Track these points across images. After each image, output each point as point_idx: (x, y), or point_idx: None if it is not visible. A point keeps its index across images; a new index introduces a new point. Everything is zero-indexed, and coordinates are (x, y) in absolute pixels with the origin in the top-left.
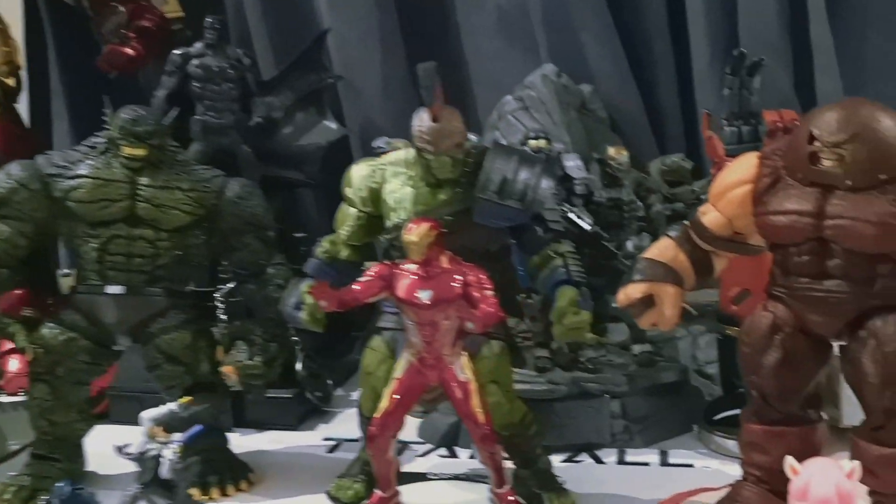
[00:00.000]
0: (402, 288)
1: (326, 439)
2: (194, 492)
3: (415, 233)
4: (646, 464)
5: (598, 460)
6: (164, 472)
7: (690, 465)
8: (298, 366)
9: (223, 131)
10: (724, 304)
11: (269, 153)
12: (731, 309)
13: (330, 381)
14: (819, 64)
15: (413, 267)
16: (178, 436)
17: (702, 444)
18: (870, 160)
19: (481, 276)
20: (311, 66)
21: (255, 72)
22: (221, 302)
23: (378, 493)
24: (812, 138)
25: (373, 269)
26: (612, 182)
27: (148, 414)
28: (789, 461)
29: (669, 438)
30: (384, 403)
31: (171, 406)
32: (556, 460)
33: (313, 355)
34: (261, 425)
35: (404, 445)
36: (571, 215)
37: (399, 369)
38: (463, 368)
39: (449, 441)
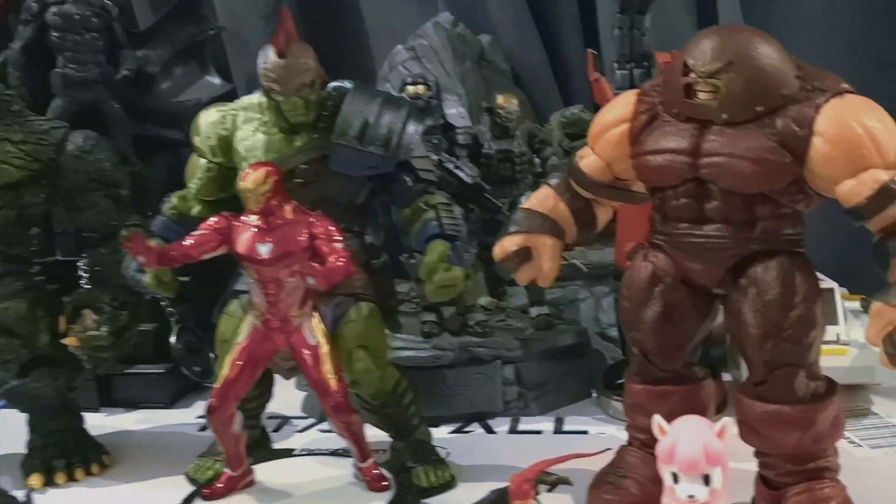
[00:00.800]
0: (241, 242)
1: (200, 417)
2: (35, 478)
3: (250, 180)
4: (539, 432)
5: (490, 430)
6: None
7: (585, 432)
8: (172, 338)
9: (87, 85)
10: (620, 262)
11: (145, 110)
12: (626, 265)
13: (212, 355)
14: (723, 10)
15: (253, 219)
16: None
17: (601, 409)
18: (746, 91)
19: (330, 227)
20: (189, 16)
21: (123, 21)
22: (84, 271)
23: (227, 471)
24: (687, 69)
25: (209, 222)
26: (501, 133)
27: None
28: (656, 420)
29: (568, 405)
30: (225, 371)
31: None
32: (445, 431)
33: (193, 327)
34: (131, 404)
35: (284, 420)
36: (449, 165)
37: (242, 333)
38: (313, 331)
39: None
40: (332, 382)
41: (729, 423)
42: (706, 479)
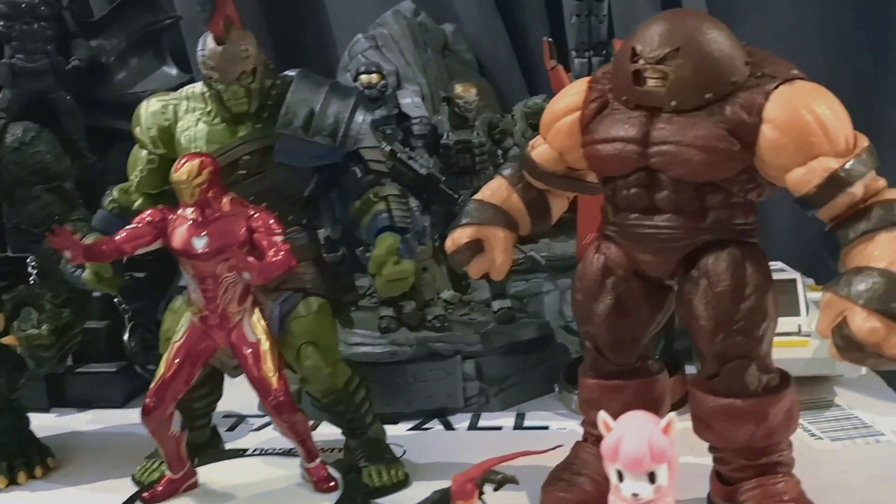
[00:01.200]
0: (177, 236)
1: None
2: None
3: (183, 171)
4: (499, 428)
5: (449, 426)
6: None
7: (546, 428)
8: (125, 336)
9: (37, 76)
10: (581, 254)
11: (99, 102)
12: None
13: None
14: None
15: (189, 212)
16: None
17: (563, 404)
18: (694, 77)
19: (270, 220)
20: (145, 5)
21: (75, 9)
22: (33, 267)
23: (168, 474)
24: (635, 55)
25: (143, 215)
26: (460, 123)
27: None
28: (601, 416)
29: (530, 400)
30: (161, 370)
31: None
32: (404, 428)
33: (147, 324)
34: (83, 403)
35: (240, 419)
36: (403, 156)
37: (179, 332)
38: (253, 327)
39: None
40: (273, 381)
41: (675, 418)
42: (651, 477)
